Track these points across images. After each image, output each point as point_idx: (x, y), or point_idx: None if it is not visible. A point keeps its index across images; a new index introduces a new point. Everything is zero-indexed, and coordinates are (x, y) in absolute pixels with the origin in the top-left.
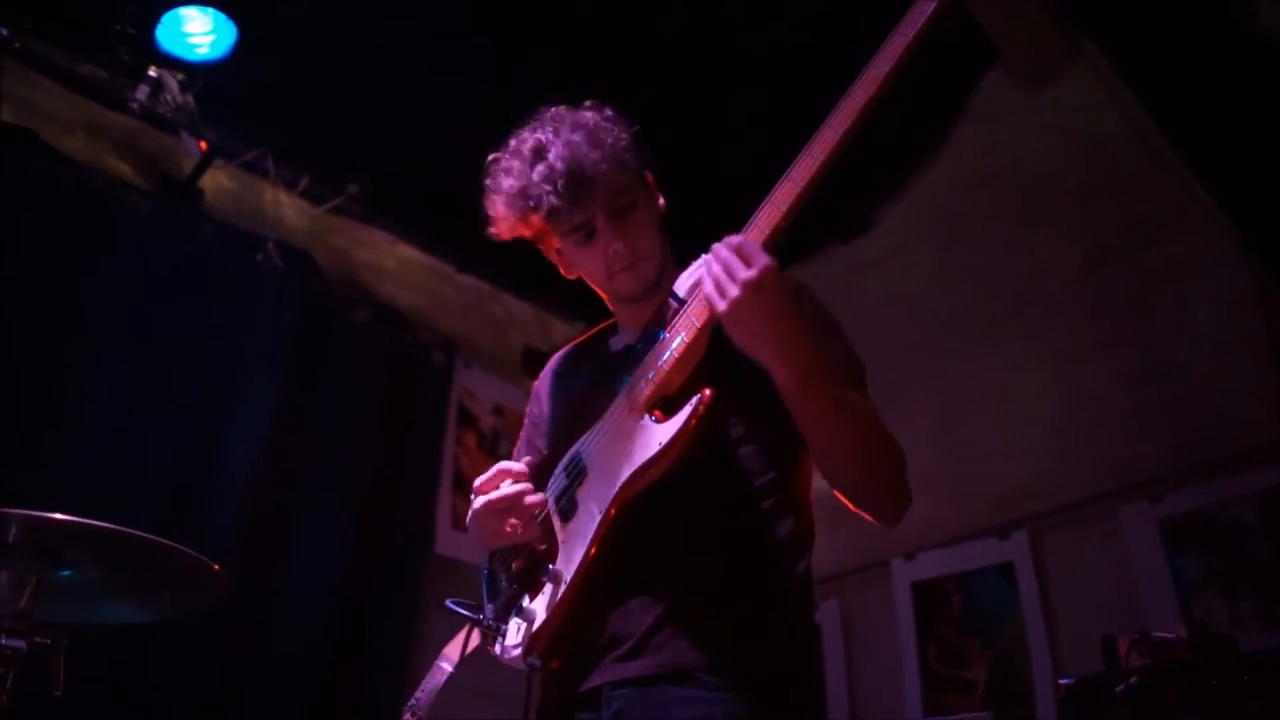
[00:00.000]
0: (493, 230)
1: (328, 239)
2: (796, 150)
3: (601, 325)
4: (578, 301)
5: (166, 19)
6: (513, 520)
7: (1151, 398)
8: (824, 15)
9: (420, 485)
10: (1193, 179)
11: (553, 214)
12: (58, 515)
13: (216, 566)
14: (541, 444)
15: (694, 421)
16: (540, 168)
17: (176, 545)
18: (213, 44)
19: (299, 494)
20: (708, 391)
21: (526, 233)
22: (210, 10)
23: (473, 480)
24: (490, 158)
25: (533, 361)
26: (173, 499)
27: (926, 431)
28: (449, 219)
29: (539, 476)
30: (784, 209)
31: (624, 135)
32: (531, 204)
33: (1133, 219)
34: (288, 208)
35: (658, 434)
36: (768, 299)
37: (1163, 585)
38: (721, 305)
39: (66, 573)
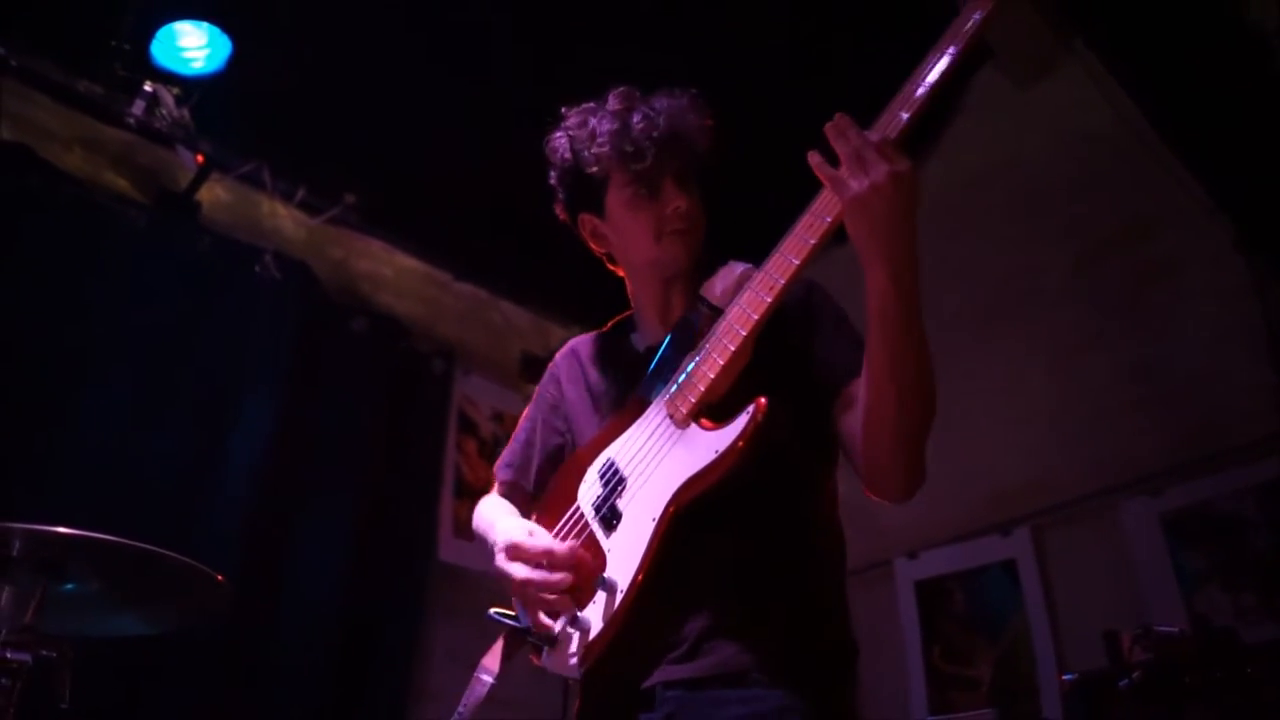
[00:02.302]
0: (557, 179)
1: (325, 249)
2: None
3: (619, 318)
4: (576, 307)
5: (161, 34)
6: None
7: (1150, 392)
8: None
9: (422, 493)
10: (1187, 174)
11: (638, 167)
12: (60, 528)
13: (221, 577)
14: (561, 426)
15: (750, 430)
16: (638, 114)
17: (180, 556)
18: (208, 58)
19: (301, 504)
20: (763, 400)
21: (588, 177)
22: (205, 24)
23: (475, 486)
24: (566, 110)
25: (531, 367)
26: (174, 511)
27: None
28: (446, 227)
29: (557, 467)
30: (907, 118)
31: (707, 115)
32: (625, 150)
33: (1128, 214)
34: (285, 219)
35: (711, 442)
36: (904, 194)
37: (1165, 579)
38: (856, 186)
39: (70, 586)
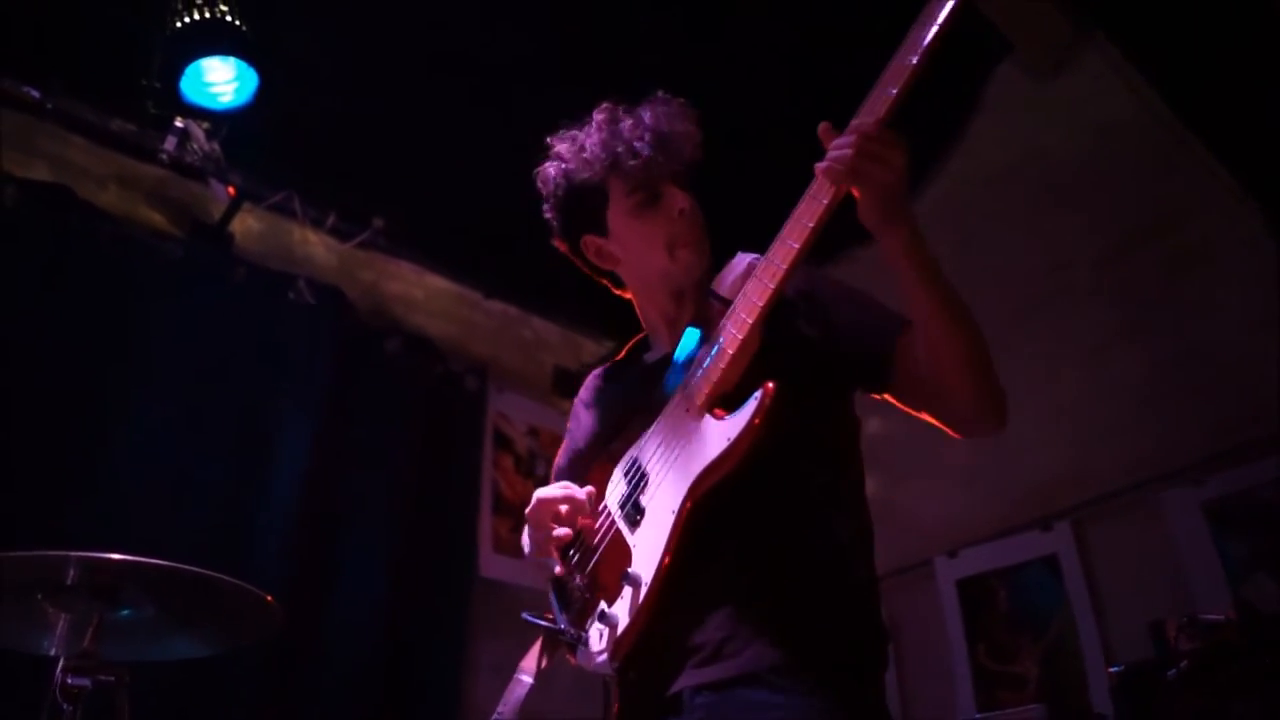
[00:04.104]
0: (551, 208)
1: (357, 273)
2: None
3: (633, 341)
4: (606, 320)
5: (190, 71)
6: (563, 507)
7: (1186, 381)
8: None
9: (460, 510)
10: (1214, 160)
11: (634, 165)
12: (114, 555)
13: (270, 599)
14: (589, 455)
15: (759, 416)
16: (627, 123)
17: (231, 579)
18: (235, 92)
19: (342, 524)
20: (770, 385)
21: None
22: (231, 59)
23: (513, 502)
24: (552, 139)
25: (564, 382)
26: (219, 536)
27: None
28: (474, 246)
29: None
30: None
31: (695, 118)
32: (618, 151)
33: (1155, 203)
34: (316, 245)
35: (724, 430)
36: (908, 168)
37: (1211, 568)
38: (882, 177)
39: (126, 611)
